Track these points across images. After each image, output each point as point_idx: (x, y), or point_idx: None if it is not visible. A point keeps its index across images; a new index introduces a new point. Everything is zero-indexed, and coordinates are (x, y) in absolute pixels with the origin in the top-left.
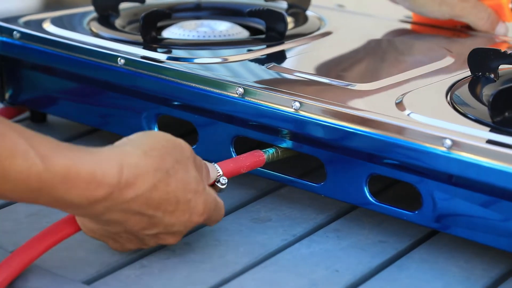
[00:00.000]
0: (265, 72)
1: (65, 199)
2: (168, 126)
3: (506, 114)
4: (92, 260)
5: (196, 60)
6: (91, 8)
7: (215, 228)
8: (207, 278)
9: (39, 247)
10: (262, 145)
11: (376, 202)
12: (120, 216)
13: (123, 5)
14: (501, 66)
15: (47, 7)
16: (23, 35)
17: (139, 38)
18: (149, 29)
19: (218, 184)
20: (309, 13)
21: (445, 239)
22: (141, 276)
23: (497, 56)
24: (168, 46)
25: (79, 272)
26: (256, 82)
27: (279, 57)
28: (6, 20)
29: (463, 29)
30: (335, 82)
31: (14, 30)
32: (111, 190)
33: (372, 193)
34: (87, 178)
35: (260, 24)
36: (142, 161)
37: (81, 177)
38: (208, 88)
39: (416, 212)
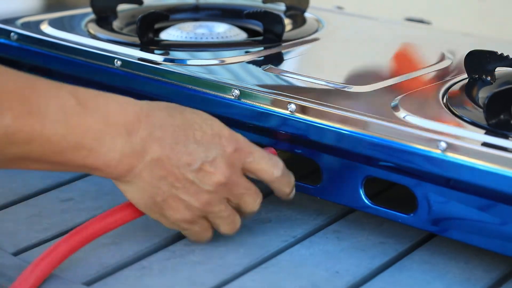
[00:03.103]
0: (262, 74)
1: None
2: None
3: (502, 116)
4: (92, 261)
5: (193, 62)
6: (89, 9)
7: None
8: (207, 279)
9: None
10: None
11: (371, 205)
12: (159, 150)
13: (121, 7)
14: (497, 69)
15: (49, 8)
16: (21, 36)
17: (136, 39)
18: (146, 30)
19: None
20: (307, 14)
21: (446, 240)
22: (141, 277)
23: (493, 58)
24: (165, 47)
25: (79, 273)
26: (252, 84)
27: (276, 59)
28: (3, 21)
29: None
30: (331, 84)
31: (11, 31)
32: (137, 116)
33: (372, 195)
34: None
35: (257, 26)
36: (152, 103)
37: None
38: (204, 90)
39: (411, 214)
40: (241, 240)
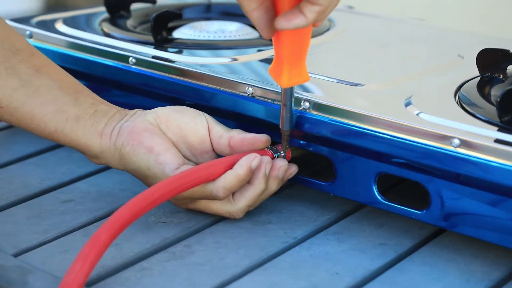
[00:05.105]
0: None
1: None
2: None
3: None
4: None
5: (206, 60)
6: (103, 8)
7: (215, 231)
8: (207, 281)
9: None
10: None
11: (384, 201)
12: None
13: (134, 6)
14: (510, 67)
15: (48, 10)
16: (36, 35)
17: (150, 38)
18: (160, 29)
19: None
20: None
21: (446, 241)
22: (141, 278)
23: (506, 56)
24: (179, 46)
25: None
26: (265, 82)
27: None
28: (18, 20)
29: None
30: (344, 82)
31: (26, 30)
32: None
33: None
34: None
35: None
36: None
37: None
38: (218, 88)
39: (424, 211)
40: (241, 242)
